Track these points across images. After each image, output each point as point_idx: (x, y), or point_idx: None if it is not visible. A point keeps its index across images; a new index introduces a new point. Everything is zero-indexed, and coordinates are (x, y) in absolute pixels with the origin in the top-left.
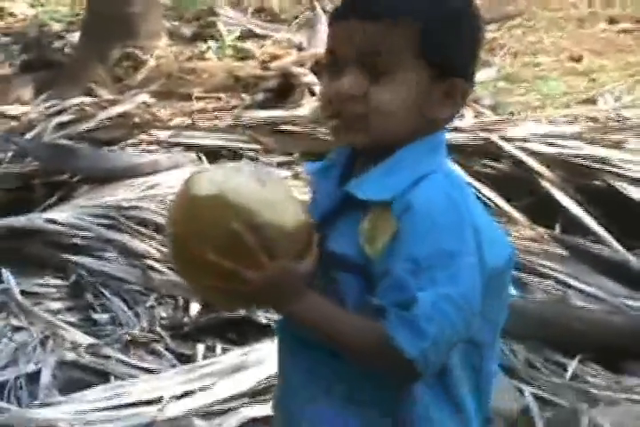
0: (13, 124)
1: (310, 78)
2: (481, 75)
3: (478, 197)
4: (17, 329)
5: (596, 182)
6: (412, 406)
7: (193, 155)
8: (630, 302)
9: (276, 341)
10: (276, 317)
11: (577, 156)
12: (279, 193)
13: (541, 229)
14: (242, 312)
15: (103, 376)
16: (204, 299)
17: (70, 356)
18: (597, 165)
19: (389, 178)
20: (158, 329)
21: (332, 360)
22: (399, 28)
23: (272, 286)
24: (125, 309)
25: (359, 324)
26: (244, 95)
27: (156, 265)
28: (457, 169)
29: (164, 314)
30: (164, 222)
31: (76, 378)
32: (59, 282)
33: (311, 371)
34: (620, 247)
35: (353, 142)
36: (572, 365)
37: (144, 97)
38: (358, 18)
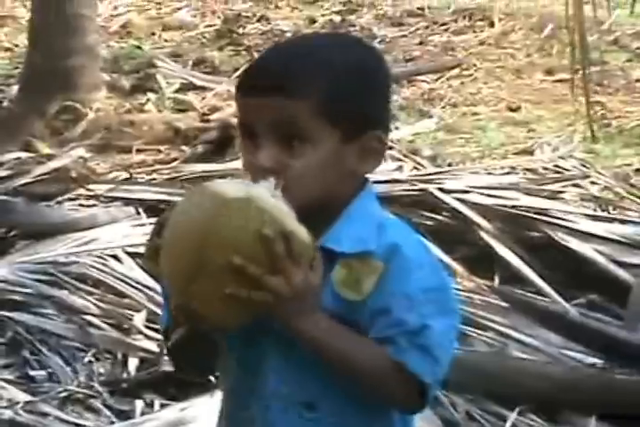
0: None
1: None
2: (420, 126)
3: None
4: None
5: (535, 233)
6: None
7: (131, 209)
8: (569, 353)
9: (217, 399)
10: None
11: (515, 206)
12: (287, 208)
13: (480, 281)
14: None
15: None
16: (202, 317)
17: (7, 413)
18: (535, 216)
19: (356, 230)
20: (96, 385)
21: (315, 413)
22: (298, 100)
23: (296, 297)
24: (63, 365)
25: (370, 347)
26: (184, 147)
27: (95, 321)
28: None
29: (102, 370)
30: (102, 278)
31: None
32: None
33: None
34: (559, 298)
35: None
36: (512, 417)
37: (81, 151)
38: (258, 94)
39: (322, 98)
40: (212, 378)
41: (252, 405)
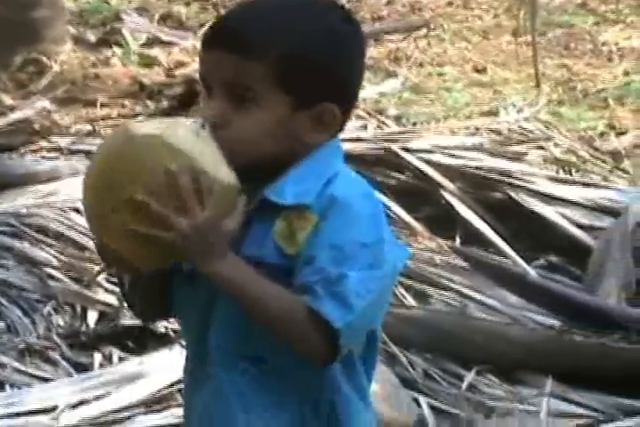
0: None
1: None
2: (386, 85)
3: None
4: None
5: (497, 194)
6: (333, 394)
7: None
8: (528, 314)
9: (175, 352)
10: (175, 326)
11: (478, 167)
12: (213, 149)
13: (442, 241)
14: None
15: None
16: (119, 255)
17: None
18: (498, 177)
19: (302, 184)
20: (55, 337)
21: (261, 367)
22: (251, 61)
23: (199, 236)
24: (22, 316)
25: (285, 293)
26: (148, 102)
27: (55, 273)
28: None
29: (61, 322)
30: (63, 230)
31: None
32: None
33: (243, 381)
34: (519, 260)
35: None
36: (469, 376)
37: (45, 103)
38: (220, 49)
39: (275, 62)
40: (169, 332)
41: (207, 361)
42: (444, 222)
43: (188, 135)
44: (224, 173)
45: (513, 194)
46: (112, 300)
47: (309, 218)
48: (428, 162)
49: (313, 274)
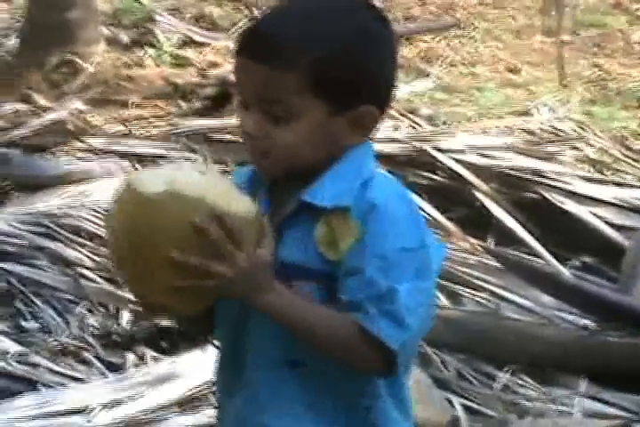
0: None
1: None
2: (418, 85)
3: None
4: None
5: (530, 194)
6: (372, 400)
7: (127, 163)
8: (562, 315)
9: (208, 353)
10: None
11: (511, 168)
12: (224, 184)
13: (475, 241)
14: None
15: (32, 385)
16: (162, 307)
17: None
18: (531, 177)
19: (338, 186)
20: (88, 338)
21: (299, 370)
22: (283, 72)
23: (244, 276)
24: (55, 317)
25: (334, 316)
26: (181, 103)
27: (88, 273)
28: None
29: (94, 322)
30: (96, 230)
31: (5, 386)
32: None
33: (279, 385)
34: (552, 260)
35: (266, 173)
36: (503, 376)
37: (79, 104)
38: (252, 59)
39: (307, 69)
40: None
41: (242, 367)
42: (476, 223)
43: (195, 180)
44: (243, 207)
45: (546, 194)
46: None
47: (352, 224)
48: (461, 162)
49: (361, 288)
